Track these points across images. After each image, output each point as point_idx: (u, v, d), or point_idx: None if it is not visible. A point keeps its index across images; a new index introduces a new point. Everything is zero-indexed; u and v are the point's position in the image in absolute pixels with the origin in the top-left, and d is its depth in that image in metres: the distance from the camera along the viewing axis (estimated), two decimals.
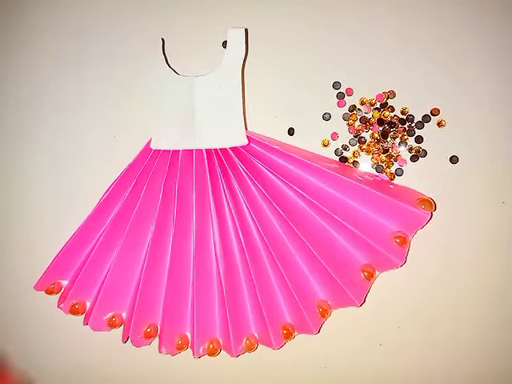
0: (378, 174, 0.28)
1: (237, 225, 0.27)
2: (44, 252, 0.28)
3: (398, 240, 0.26)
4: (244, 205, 0.27)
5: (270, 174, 0.27)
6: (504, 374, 0.28)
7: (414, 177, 0.28)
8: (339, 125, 0.28)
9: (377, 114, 0.28)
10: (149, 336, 0.27)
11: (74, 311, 0.28)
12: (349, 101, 0.28)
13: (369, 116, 0.28)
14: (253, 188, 0.27)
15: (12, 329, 0.29)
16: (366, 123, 0.28)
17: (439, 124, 0.27)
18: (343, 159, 0.29)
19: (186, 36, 0.28)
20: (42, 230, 0.29)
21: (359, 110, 0.28)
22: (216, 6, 0.28)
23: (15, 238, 0.28)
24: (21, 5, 0.28)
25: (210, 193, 0.27)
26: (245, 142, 0.26)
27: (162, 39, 0.26)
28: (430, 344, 0.29)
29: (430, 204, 0.26)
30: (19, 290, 0.29)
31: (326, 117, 0.29)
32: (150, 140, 0.27)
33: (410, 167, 0.28)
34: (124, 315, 0.28)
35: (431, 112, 0.28)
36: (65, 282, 0.28)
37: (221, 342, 0.27)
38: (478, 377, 0.29)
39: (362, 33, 0.27)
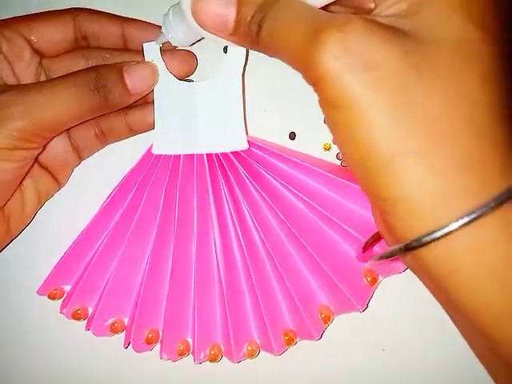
0: None
1: (238, 230, 0.27)
2: (47, 257, 0.28)
3: None
4: (245, 209, 0.27)
5: (271, 178, 0.27)
6: None
7: None
8: None
9: None
10: (150, 341, 0.27)
11: (76, 316, 0.28)
12: None
13: None
14: (254, 193, 0.27)
15: (15, 332, 0.30)
16: None
17: None
18: (345, 163, 0.28)
19: None
20: (44, 235, 0.29)
21: None
22: None
23: (18, 242, 0.29)
24: None
25: (211, 198, 0.27)
26: (245, 146, 0.26)
27: None
28: (435, 349, 0.28)
29: None
30: (22, 294, 0.29)
31: None
32: (152, 145, 0.27)
33: None
34: (126, 321, 0.28)
35: None
36: (67, 288, 0.28)
37: (222, 347, 0.27)
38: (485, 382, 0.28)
39: None
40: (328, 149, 0.29)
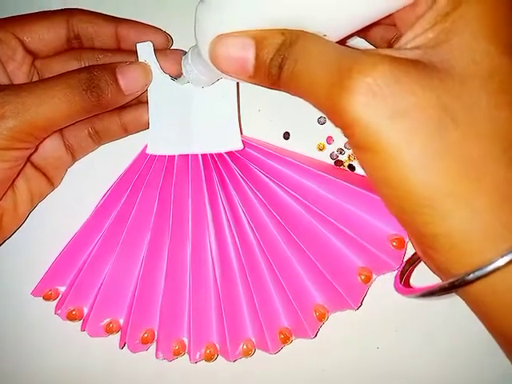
0: None
1: (233, 230, 0.27)
2: (42, 258, 0.28)
3: (394, 243, 0.26)
4: (240, 209, 0.27)
5: (265, 178, 0.27)
6: (505, 376, 0.28)
7: None
8: (334, 129, 0.28)
9: None
10: (146, 341, 0.27)
11: (71, 317, 0.27)
12: None
13: None
14: (249, 192, 0.27)
15: (9, 333, 0.29)
16: None
17: None
18: (338, 163, 0.29)
19: (183, 42, 0.28)
20: (38, 236, 0.29)
21: None
22: None
23: (12, 243, 0.28)
24: None
25: (206, 198, 0.27)
26: (240, 146, 0.26)
27: (152, 43, 0.26)
28: (429, 347, 0.29)
29: None
30: (16, 295, 0.29)
31: (322, 121, 0.29)
32: (146, 146, 0.27)
33: None
34: (121, 321, 0.28)
35: None
36: (62, 288, 0.28)
37: (218, 347, 0.27)
38: (478, 380, 0.29)
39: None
40: (322, 149, 0.29)
